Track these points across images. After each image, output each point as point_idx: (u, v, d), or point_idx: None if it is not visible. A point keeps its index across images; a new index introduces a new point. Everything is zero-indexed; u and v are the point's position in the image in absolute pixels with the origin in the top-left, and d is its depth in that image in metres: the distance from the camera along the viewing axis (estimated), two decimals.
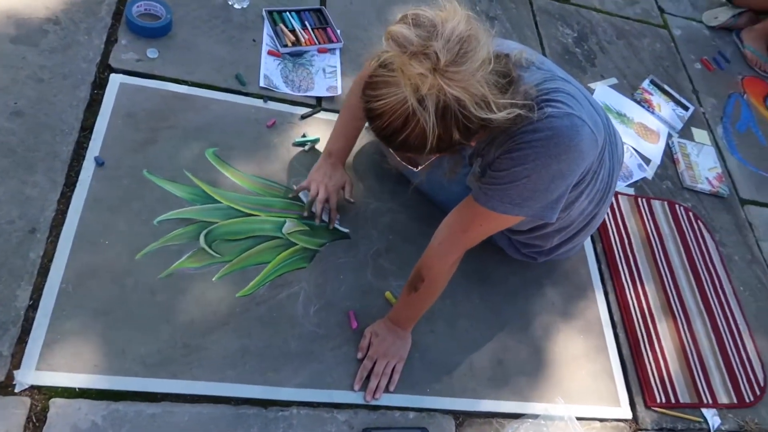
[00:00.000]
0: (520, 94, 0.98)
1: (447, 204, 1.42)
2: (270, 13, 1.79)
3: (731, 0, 2.57)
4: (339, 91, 1.70)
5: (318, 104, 1.67)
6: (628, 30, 2.41)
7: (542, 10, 2.30)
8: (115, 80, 1.49)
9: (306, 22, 1.81)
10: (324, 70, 1.74)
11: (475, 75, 0.88)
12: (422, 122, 0.89)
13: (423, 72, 0.86)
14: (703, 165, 2.02)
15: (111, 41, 1.56)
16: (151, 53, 1.57)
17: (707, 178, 1.98)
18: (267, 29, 1.76)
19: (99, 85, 1.47)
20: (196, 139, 1.47)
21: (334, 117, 1.65)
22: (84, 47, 1.52)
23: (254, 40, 1.72)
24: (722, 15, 2.58)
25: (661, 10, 2.60)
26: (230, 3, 1.77)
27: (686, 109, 2.18)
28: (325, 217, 1.43)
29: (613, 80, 2.17)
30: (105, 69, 1.51)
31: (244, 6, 1.78)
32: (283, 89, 1.65)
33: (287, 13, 1.81)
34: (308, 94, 1.67)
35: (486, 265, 1.52)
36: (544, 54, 2.13)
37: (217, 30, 1.70)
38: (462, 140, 0.94)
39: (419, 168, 1.12)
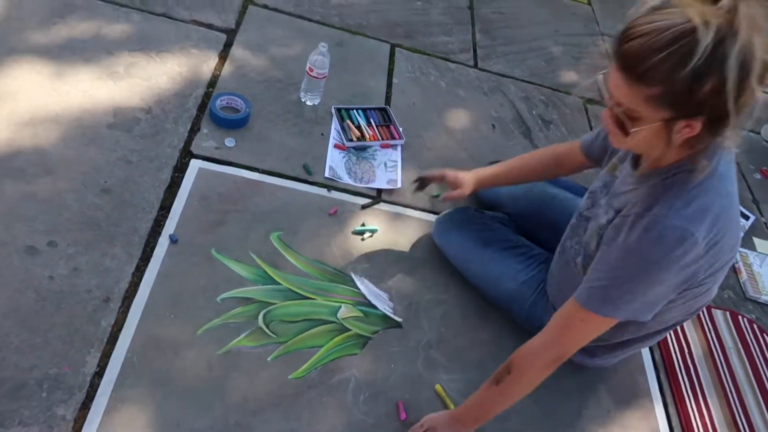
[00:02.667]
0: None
1: (498, 300, 1.44)
2: (338, 110, 1.93)
3: None
4: (399, 184, 1.78)
5: (378, 196, 1.75)
6: None
7: (597, 115, 2.37)
8: (194, 165, 1.62)
9: (371, 119, 1.94)
10: (385, 164, 1.84)
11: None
12: (688, 48, 0.78)
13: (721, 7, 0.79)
14: (766, 276, 1.96)
15: (194, 130, 1.71)
16: (229, 142, 1.71)
17: None
18: (335, 124, 1.89)
19: (180, 169, 1.60)
20: (263, 223, 1.56)
21: (393, 208, 1.72)
22: (170, 134, 1.67)
23: (322, 134, 1.85)
24: None
25: None
26: (303, 100, 1.92)
27: (746, 218, 2.15)
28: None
29: None
30: (186, 154, 1.64)
31: (316, 103, 1.93)
32: (346, 180, 1.75)
33: (354, 110, 1.95)
34: (369, 185, 1.76)
35: None
36: None
37: (290, 123, 1.84)
38: (695, 110, 0.83)
39: (604, 167, 1.19)
